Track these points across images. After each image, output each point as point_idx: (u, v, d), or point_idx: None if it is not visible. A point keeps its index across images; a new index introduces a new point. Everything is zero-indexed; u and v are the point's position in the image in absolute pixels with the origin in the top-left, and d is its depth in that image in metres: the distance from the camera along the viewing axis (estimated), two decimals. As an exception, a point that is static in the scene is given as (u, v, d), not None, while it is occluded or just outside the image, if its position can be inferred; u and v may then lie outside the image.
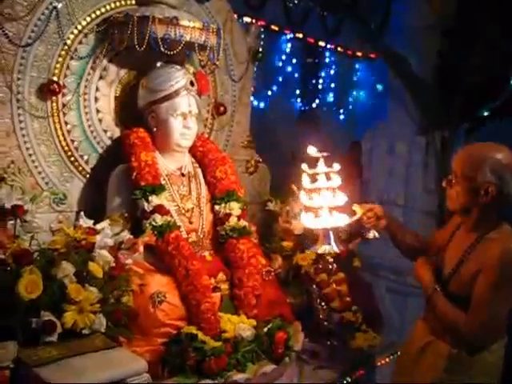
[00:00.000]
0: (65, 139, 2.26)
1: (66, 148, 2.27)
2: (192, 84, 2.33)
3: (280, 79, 7.03)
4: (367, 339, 2.62)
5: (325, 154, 2.14)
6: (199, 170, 2.46)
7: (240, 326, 2.05)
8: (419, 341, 2.17)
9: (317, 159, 2.15)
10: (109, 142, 2.40)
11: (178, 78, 2.30)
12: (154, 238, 2.02)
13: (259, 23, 3.29)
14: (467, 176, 2.01)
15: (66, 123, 2.26)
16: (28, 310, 1.63)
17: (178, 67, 2.34)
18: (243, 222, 2.38)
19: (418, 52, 4.69)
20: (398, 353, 2.51)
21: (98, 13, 2.26)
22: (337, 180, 2.15)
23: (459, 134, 4.82)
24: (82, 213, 2.03)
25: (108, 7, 2.29)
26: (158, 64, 2.35)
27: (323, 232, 2.12)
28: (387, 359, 2.71)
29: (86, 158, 2.33)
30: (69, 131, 2.27)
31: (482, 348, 2.01)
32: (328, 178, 2.15)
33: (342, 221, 2.14)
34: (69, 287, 1.66)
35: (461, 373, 2.04)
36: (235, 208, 2.39)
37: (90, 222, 1.98)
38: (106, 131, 2.39)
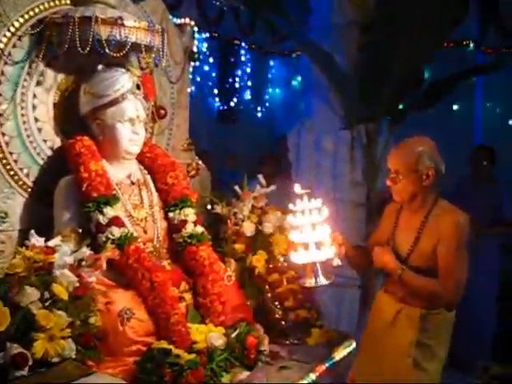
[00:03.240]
0: (2, 152, 2.08)
1: (5, 161, 2.10)
2: (138, 87, 2.23)
3: (198, 79, 6.95)
4: (323, 334, 2.65)
5: (308, 190, 2.32)
6: (149, 177, 2.36)
7: (211, 335, 1.99)
8: (389, 311, 2.49)
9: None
10: (49, 153, 2.24)
11: (124, 81, 2.19)
12: (116, 252, 1.91)
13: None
14: (411, 169, 2.39)
15: (3, 134, 2.09)
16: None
17: (123, 70, 2.22)
18: (200, 228, 2.32)
19: (341, 47, 4.79)
20: (353, 344, 2.61)
21: (31, 13, 2.10)
22: (321, 214, 2.31)
23: (383, 126, 4.99)
24: (32, 231, 1.87)
25: (42, 7, 2.14)
26: (100, 67, 2.22)
27: (310, 266, 2.25)
28: (344, 351, 2.74)
29: (26, 171, 2.17)
30: (7, 143, 2.09)
31: (457, 304, 2.40)
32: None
33: (328, 254, 2.28)
34: (37, 314, 1.52)
35: (432, 331, 2.42)
36: (190, 214, 2.32)
37: (41, 241, 1.83)
38: (45, 141, 2.23)
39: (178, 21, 2.90)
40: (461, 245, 2.36)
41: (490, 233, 4.62)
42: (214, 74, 7.49)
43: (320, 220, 2.30)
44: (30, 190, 2.18)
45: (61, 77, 2.26)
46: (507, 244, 4.95)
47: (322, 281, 2.26)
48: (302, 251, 2.26)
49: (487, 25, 6.51)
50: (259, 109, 8.48)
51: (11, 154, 2.11)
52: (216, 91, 7.67)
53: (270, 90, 8.62)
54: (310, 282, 2.27)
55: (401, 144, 2.51)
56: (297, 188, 2.33)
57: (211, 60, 7.27)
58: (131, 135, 2.22)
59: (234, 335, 2.09)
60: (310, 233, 2.26)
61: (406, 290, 2.43)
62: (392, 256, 2.45)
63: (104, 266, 1.84)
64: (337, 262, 2.37)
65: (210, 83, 7.48)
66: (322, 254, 2.26)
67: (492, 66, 5.57)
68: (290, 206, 2.30)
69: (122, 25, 2.05)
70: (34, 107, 2.18)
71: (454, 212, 2.42)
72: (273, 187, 2.91)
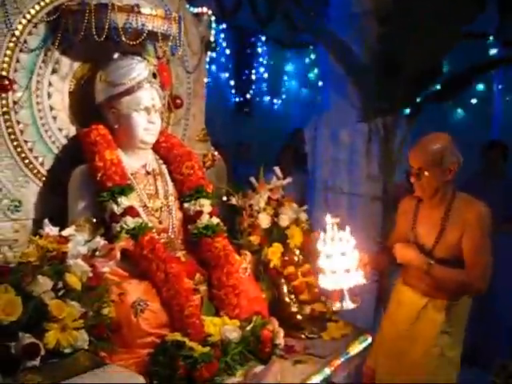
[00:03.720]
0: (17, 140, 2.07)
1: (20, 149, 2.08)
2: (154, 76, 2.20)
3: (214, 70, 6.92)
4: (339, 329, 2.62)
5: (338, 220, 2.38)
6: (164, 167, 2.33)
7: (226, 328, 1.96)
8: (414, 304, 2.60)
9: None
10: (65, 142, 2.22)
11: (140, 70, 2.16)
12: (130, 242, 1.89)
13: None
14: (435, 165, 2.49)
15: (18, 122, 2.07)
16: (3, 334, 1.45)
17: (139, 58, 2.19)
18: (215, 219, 2.28)
19: (359, 39, 4.72)
20: (369, 339, 2.60)
21: (47, 0, 2.07)
22: (351, 242, 2.36)
23: (400, 120, 4.92)
24: (46, 220, 1.85)
25: (58, -6, 2.11)
26: (116, 55, 2.19)
27: (338, 292, 2.33)
28: (360, 346, 2.71)
29: (41, 159, 2.15)
30: (21, 131, 2.08)
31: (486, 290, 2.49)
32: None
33: (356, 279, 2.35)
34: (50, 304, 1.50)
35: (455, 319, 2.56)
36: (206, 205, 2.29)
37: (55, 230, 1.82)
38: (61, 130, 2.21)
39: (195, 10, 2.86)
40: (485, 234, 2.47)
41: (505, 229, 4.40)
42: (230, 66, 7.45)
43: (349, 249, 2.36)
44: (44, 178, 2.16)
45: (76, 65, 2.24)
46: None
47: (349, 305, 2.35)
48: (331, 277, 2.34)
49: (507, 17, 6.39)
50: (275, 101, 8.43)
51: (26, 142, 2.10)
52: (232, 83, 7.63)
53: (287, 82, 8.56)
54: (336, 306, 2.36)
55: (421, 141, 2.58)
56: (328, 218, 2.39)
57: (228, 51, 7.22)
58: (147, 124, 2.19)
59: (248, 328, 2.06)
60: (339, 260, 2.33)
61: (429, 282, 2.54)
62: (416, 251, 2.55)
63: (118, 256, 1.82)
64: (362, 281, 2.40)
65: (227, 74, 7.45)
66: (350, 280, 2.33)
67: (510, 59, 5.46)
68: (321, 234, 2.39)
69: (139, 12, 2.02)
70: (50, 95, 2.16)
71: (476, 203, 2.53)
72: (289, 179, 2.87)
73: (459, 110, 6.31)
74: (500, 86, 7.06)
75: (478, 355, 3.86)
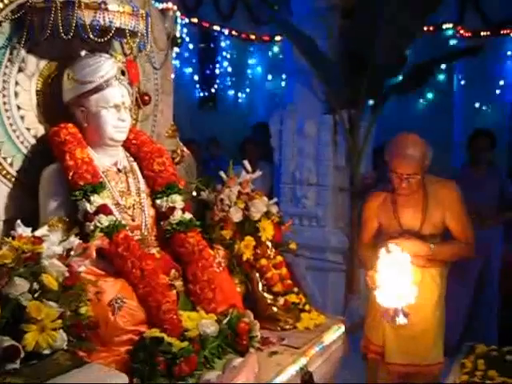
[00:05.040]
0: (-15, 141, 2.03)
1: (-12, 151, 2.04)
2: (123, 73, 2.18)
3: (178, 65, 6.87)
4: (313, 319, 2.66)
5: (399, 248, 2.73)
6: (135, 164, 2.32)
7: (203, 322, 1.98)
8: (415, 279, 2.79)
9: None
10: (33, 141, 2.19)
11: (108, 67, 2.14)
12: (106, 240, 1.88)
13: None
14: (423, 167, 2.82)
15: (-15, 123, 2.03)
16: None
17: (107, 56, 2.18)
18: (188, 215, 2.29)
19: (323, 32, 4.78)
20: (343, 327, 2.67)
21: (11, -3, 2.04)
22: (407, 266, 2.70)
23: (365, 111, 5.00)
24: (19, 221, 1.83)
25: (22, -8, 2.08)
26: (83, 53, 2.17)
27: (393, 309, 2.71)
28: (334, 335, 2.76)
29: (9, 160, 2.11)
30: (-11, 132, 2.04)
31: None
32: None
33: (409, 299, 2.70)
34: (28, 305, 1.49)
35: (444, 282, 2.99)
36: (178, 201, 2.29)
37: (28, 231, 1.80)
38: (29, 129, 2.17)
39: (160, 6, 2.85)
40: (463, 205, 2.91)
41: (497, 221, 4.48)
42: (194, 61, 7.42)
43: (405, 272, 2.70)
44: (13, 179, 2.12)
45: (43, 63, 2.20)
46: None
47: (402, 320, 2.72)
48: (388, 295, 2.71)
49: (466, 8, 6.56)
50: (240, 95, 8.44)
51: (-6, 142, 2.06)
52: (196, 78, 7.60)
53: (250, 75, 8.57)
54: (391, 321, 2.75)
55: (404, 149, 2.83)
56: (392, 246, 2.73)
57: (191, 46, 7.18)
58: (117, 122, 2.17)
59: (225, 322, 2.08)
60: (396, 282, 2.69)
61: (424, 257, 2.88)
62: (419, 242, 2.87)
63: (94, 255, 1.81)
64: (412, 301, 2.75)
65: (191, 69, 7.41)
66: (404, 299, 2.70)
67: (472, 49, 5.61)
68: (382, 255, 2.74)
69: (106, 9, 2.00)
70: (17, 95, 2.12)
71: (446, 181, 2.98)
72: (259, 173, 2.90)
73: (421, 101, 6.45)
74: (460, 77, 7.23)
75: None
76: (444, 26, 6.73)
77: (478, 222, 3.72)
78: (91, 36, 2.00)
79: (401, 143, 2.85)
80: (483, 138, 4.65)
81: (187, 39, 6.97)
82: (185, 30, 6.86)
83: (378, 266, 2.74)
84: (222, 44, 7.92)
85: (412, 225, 2.90)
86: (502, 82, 7.07)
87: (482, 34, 6.67)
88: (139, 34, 2.15)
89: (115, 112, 2.17)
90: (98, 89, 2.13)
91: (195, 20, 6.83)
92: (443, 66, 6.10)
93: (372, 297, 2.97)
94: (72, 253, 1.77)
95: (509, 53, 7.00)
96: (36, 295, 1.57)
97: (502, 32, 6.74)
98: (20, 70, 2.12)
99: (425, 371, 3.01)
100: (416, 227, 2.89)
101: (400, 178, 2.81)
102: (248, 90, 8.53)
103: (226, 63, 8.05)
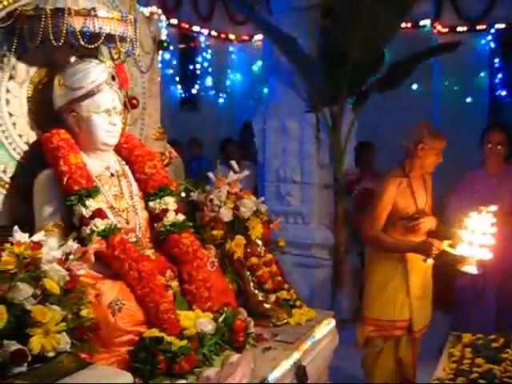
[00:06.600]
0: (-22, 148, 2.05)
1: (-19, 158, 2.06)
2: (113, 78, 2.21)
3: (159, 67, 6.87)
4: (304, 314, 2.72)
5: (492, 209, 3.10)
6: (127, 168, 2.35)
7: (200, 321, 2.02)
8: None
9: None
10: (26, 148, 2.21)
11: (98, 73, 2.17)
12: (104, 244, 1.91)
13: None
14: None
15: (-22, 131, 2.05)
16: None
17: (97, 61, 2.20)
18: (181, 216, 2.33)
19: (302, 31, 4.83)
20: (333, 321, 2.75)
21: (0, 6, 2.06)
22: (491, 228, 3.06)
23: (346, 108, 5.07)
24: (16, 227, 1.85)
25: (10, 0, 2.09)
26: (73, 59, 2.20)
27: (469, 258, 3.05)
28: (325, 329, 2.82)
29: (3, 167, 2.13)
30: (-18, 140, 2.06)
31: None
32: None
33: (484, 255, 3.04)
34: (32, 310, 1.51)
35: None
36: (170, 202, 2.33)
37: (25, 236, 1.82)
38: (21, 136, 2.19)
39: (145, 10, 2.89)
40: None
41: None
42: (174, 62, 7.42)
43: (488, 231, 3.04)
44: (7, 186, 2.14)
45: (33, 70, 2.22)
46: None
47: (474, 270, 3.06)
48: (468, 247, 3.05)
49: (443, 4, 6.67)
50: (220, 95, 8.46)
51: (-13, 150, 2.08)
52: (177, 79, 7.61)
53: (231, 75, 8.60)
54: (465, 269, 3.08)
55: (436, 128, 3.49)
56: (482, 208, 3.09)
57: (171, 47, 7.19)
58: (108, 127, 2.20)
59: (221, 320, 2.12)
60: (479, 237, 3.03)
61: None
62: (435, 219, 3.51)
63: (92, 258, 1.84)
64: (488, 256, 3.06)
65: (171, 71, 7.42)
66: (481, 253, 3.03)
67: (449, 45, 5.71)
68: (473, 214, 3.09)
69: (96, 16, 2.03)
70: (8, 102, 2.14)
71: None
72: (246, 172, 2.94)
73: (401, 97, 6.53)
74: (439, 73, 7.33)
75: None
76: (421, 23, 6.85)
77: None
78: (81, 42, 2.03)
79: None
80: (498, 132, 4.19)
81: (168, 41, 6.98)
82: (165, 32, 6.86)
83: (468, 224, 3.07)
84: (202, 45, 7.93)
85: (421, 206, 3.42)
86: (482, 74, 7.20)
87: (458, 29, 6.81)
88: (128, 40, 2.18)
89: (106, 117, 2.19)
90: (88, 94, 2.15)
91: (175, 21, 6.84)
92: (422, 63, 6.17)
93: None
94: (71, 257, 1.80)
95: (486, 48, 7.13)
96: (38, 299, 1.60)
97: (478, 27, 6.87)
98: (11, 77, 2.14)
99: (425, 329, 3.59)
100: (421, 206, 3.43)
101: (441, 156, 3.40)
102: (228, 90, 8.56)
103: (206, 64, 8.06)
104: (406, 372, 3.61)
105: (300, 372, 2.32)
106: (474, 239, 3.03)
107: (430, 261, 3.31)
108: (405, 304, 3.49)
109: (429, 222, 3.45)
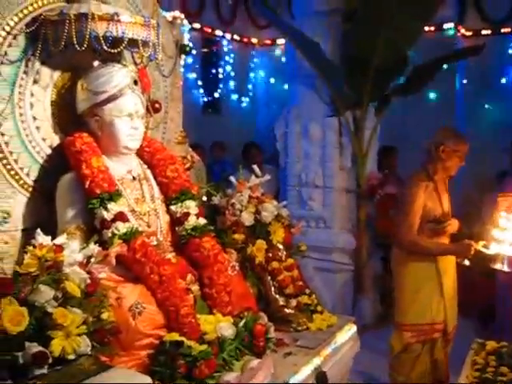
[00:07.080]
0: (3, 152, 2.07)
1: (5, 161, 2.07)
2: (136, 82, 2.23)
3: (182, 71, 6.91)
4: (325, 319, 2.69)
5: None
6: (149, 172, 2.36)
7: (221, 325, 2.02)
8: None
9: None
10: (49, 151, 2.23)
11: (121, 77, 2.18)
12: (125, 247, 1.92)
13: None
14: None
15: (3, 134, 2.06)
16: (7, 345, 1.48)
17: (119, 65, 2.22)
18: (202, 220, 2.34)
19: (325, 35, 4.81)
20: (354, 327, 2.70)
21: (25, 11, 2.08)
22: None
23: (369, 112, 5.03)
24: (38, 230, 1.87)
25: (35, 5, 2.11)
26: (96, 63, 2.22)
27: (501, 256, 3.16)
28: (346, 335, 2.79)
29: (26, 170, 2.15)
30: (6, 143, 2.07)
31: None
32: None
33: None
34: (54, 312, 1.53)
35: None
36: (192, 206, 2.33)
37: (48, 239, 1.83)
38: (44, 140, 2.21)
39: (168, 14, 2.90)
40: None
41: None
42: (197, 66, 7.46)
43: None
44: (31, 189, 2.16)
45: (56, 74, 2.24)
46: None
47: (506, 268, 3.15)
48: (500, 245, 3.16)
49: (467, 9, 6.58)
50: (243, 99, 8.48)
51: (11, 153, 2.10)
52: (200, 83, 7.64)
53: (253, 79, 8.61)
54: (497, 266, 3.19)
55: (459, 131, 3.58)
56: None
57: (194, 52, 7.23)
58: (130, 130, 2.21)
59: (241, 324, 2.12)
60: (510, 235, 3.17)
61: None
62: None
63: (113, 261, 1.85)
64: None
65: (194, 75, 7.45)
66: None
67: (473, 49, 5.64)
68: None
69: (119, 21, 2.04)
70: (32, 106, 2.16)
71: None
72: (267, 177, 2.94)
73: (424, 102, 6.46)
74: (462, 77, 7.24)
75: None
76: (445, 26, 6.77)
77: None
78: (104, 47, 2.04)
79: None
80: None
81: (190, 45, 7.02)
82: (187, 36, 6.91)
83: (501, 222, 3.20)
84: (225, 49, 7.96)
85: (444, 207, 3.51)
86: (503, 81, 7.09)
87: (482, 32, 6.71)
88: (151, 44, 2.19)
89: (129, 120, 2.21)
90: (111, 98, 2.17)
91: (197, 25, 6.88)
92: (445, 66, 6.10)
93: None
94: (92, 260, 1.81)
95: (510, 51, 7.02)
96: (59, 302, 1.61)
97: (502, 31, 6.77)
98: (35, 81, 2.16)
99: (455, 329, 3.65)
100: (446, 209, 3.52)
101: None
102: (251, 93, 8.57)
103: (228, 67, 8.09)
104: (440, 373, 3.63)
105: (320, 377, 2.30)
106: (506, 238, 3.13)
107: (467, 262, 3.37)
108: (440, 305, 3.54)
109: (454, 225, 3.52)
